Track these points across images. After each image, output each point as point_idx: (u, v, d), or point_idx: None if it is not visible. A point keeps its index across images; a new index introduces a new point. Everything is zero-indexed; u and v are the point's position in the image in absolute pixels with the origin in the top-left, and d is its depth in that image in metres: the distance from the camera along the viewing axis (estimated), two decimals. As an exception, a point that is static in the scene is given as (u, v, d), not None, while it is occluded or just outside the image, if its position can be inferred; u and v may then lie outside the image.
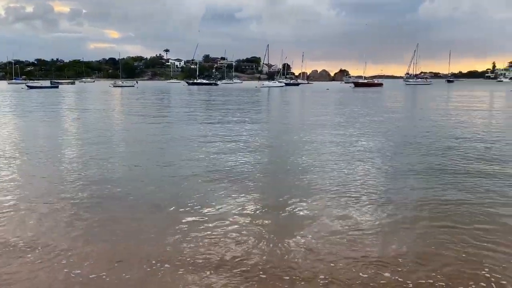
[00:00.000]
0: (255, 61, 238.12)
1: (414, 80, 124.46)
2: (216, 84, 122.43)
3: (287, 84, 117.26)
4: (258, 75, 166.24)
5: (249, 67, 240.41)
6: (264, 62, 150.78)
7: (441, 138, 15.31)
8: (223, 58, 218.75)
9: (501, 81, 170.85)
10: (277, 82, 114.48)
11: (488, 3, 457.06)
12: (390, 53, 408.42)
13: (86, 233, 6.14)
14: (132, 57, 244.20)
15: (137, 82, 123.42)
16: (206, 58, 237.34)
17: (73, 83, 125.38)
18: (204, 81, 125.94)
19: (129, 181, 8.94)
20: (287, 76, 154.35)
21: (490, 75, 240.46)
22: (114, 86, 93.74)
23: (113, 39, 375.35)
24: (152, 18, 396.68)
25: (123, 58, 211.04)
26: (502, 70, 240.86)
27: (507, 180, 9.03)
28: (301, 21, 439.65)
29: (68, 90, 71.03)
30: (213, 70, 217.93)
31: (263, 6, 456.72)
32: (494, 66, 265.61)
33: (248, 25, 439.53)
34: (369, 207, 7.14)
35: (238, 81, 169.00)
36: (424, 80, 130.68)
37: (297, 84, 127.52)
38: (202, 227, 6.24)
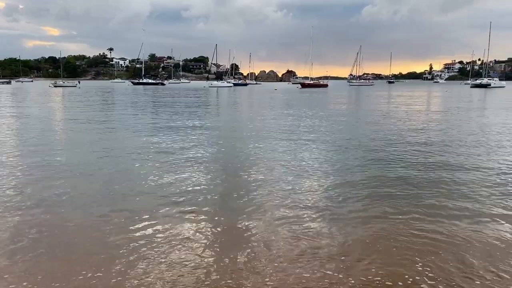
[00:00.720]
0: (203, 60, 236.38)
1: (357, 81, 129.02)
2: (163, 84, 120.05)
3: (235, 84, 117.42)
4: (206, 75, 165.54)
5: (197, 67, 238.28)
6: (212, 62, 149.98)
7: (381, 135, 15.90)
8: (170, 58, 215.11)
9: (437, 82, 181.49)
10: (225, 82, 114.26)
11: (426, 7, 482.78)
12: (335, 55, 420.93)
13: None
14: (74, 55, 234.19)
15: (79, 82, 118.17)
16: (152, 57, 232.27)
17: (9, 82, 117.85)
18: (150, 80, 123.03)
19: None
20: (236, 76, 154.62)
21: (427, 76, 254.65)
22: (54, 86, 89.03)
23: (53, 36, 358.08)
24: (95, 16, 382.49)
25: (64, 57, 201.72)
26: (438, 71, 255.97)
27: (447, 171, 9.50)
28: (249, 22, 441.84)
29: (2, 91, 66.63)
30: (160, 70, 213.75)
31: (210, 5, 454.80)
32: (431, 68, 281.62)
33: (195, 25, 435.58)
34: (322, 223, 7.01)
35: (186, 81, 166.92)
36: (367, 81, 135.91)
37: (246, 84, 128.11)
38: (146, 252, 5.85)
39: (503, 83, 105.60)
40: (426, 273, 5.03)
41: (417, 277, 4.93)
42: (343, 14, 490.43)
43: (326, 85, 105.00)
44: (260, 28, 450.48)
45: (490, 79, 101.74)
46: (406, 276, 4.96)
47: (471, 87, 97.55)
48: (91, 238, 6.06)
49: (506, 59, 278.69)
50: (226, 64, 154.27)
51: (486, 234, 6.23)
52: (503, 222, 6.74)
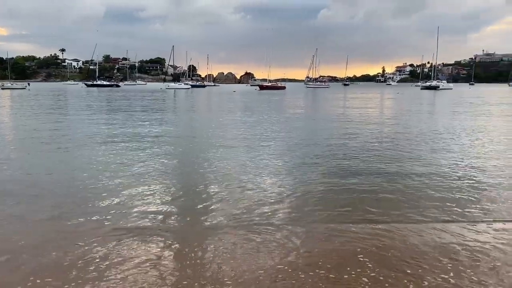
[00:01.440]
0: (159, 62, 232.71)
1: (313, 84, 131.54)
2: (117, 86, 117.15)
3: (193, 86, 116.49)
4: (163, 76, 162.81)
5: (154, 68, 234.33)
6: (169, 64, 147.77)
7: (337, 135, 16.27)
8: (125, 59, 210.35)
9: (390, 84, 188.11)
10: (183, 84, 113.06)
11: (380, 12, 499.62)
12: (292, 57, 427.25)
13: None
14: (23, 56, 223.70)
15: (29, 84, 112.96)
16: (107, 58, 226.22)
17: None
18: (105, 82, 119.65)
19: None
20: (193, 78, 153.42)
21: (380, 79, 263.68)
22: (1, 89, 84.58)
23: (1, 36, 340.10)
24: (46, 15, 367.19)
25: (12, 58, 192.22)
26: (391, 74, 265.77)
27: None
28: (206, 24, 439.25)
29: None
30: (115, 71, 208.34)
31: (167, 6, 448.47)
32: (383, 70, 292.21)
33: (152, 25, 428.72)
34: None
35: (142, 82, 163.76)
36: (323, 83, 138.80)
37: (203, 86, 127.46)
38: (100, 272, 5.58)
39: (451, 85, 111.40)
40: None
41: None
42: (300, 17, 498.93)
43: (284, 87, 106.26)
44: (218, 30, 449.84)
45: (438, 82, 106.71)
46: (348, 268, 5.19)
47: (421, 89, 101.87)
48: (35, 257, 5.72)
49: (453, 62, 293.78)
50: (183, 66, 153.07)
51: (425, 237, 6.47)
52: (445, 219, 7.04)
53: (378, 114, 31.33)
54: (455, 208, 7.68)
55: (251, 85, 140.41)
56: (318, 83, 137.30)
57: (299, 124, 23.24)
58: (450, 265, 5.43)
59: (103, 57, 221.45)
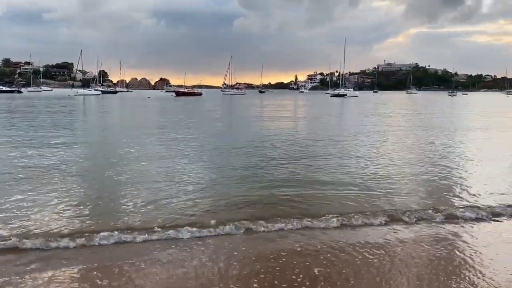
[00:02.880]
0: (67, 67, 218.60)
1: (230, 90, 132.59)
2: (19, 92, 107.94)
3: (104, 92, 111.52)
4: (71, 82, 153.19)
5: (60, 74, 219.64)
6: (78, 69, 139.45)
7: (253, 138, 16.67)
8: (28, 63, 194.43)
9: (302, 91, 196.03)
10: (93, 90, 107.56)
11: (293, 22, 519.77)
12: (209, 64, 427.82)
13: None
14: None
15: None
16: (7, 62, 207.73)
17: None
18: (4, 88, 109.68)
19: None
20: (104, 83, 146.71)
21: (293, 86, 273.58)
22: None
23: None
24: None
25: None
26: (303, 82, 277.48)
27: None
28: (118, 28, 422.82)
29: None
30: (16, 76, 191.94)
31: (75, 9, 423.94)
32: (296, 79, 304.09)
33: (58, 28, 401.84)
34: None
35: (48, 88, 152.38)
36: (239, 90, 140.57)
37: (115, 92, 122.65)
38: None
39: (357, 92, 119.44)
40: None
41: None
42: (216, 24, 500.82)
43: (200, 94, 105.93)
44: (131, 35, 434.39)
45: (346, 90, 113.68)
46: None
47: (330, 96, 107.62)
48: None
49: (359, 71, 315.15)
50: (93, 71, 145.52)
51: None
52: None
53: (293, 119, 32.55)
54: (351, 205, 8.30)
55: (166, 91, 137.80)
56: (235, 90, 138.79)
57: (216, 132, 23.35)
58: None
59: (2, 60, 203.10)
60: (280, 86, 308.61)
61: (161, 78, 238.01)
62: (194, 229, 6.61)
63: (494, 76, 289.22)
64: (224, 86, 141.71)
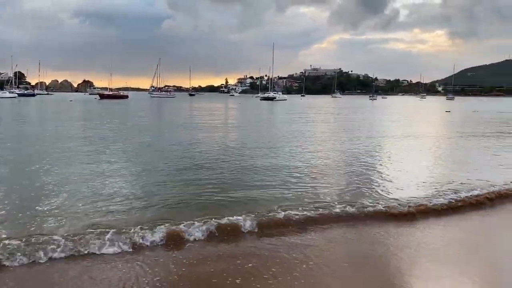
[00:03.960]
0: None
1: (158, 93, 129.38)
2: None
3: (20, 95, 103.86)
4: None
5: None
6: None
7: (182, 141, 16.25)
8: None
9: (233, 95, 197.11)
10: (7, 92, 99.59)
11: (222, 25, 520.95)
12: (136, 66, 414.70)
13: None
14: None
15: None
16: None
17: None
18: None
19: None
20: (21, 85, 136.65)
21: (224, 90, 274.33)
22: None
23: None
24: None
25: None
26: (233, 85, 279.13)
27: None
28: (39, 27, 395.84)
29: None
30: None
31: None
32: (226, 82, 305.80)
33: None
34: None
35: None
36: (168, 93, 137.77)
37: (34, 95, 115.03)
38: None
39: (285, 96, 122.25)
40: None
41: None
42: (144, 25, 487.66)
43: (126, 97, 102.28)
44: (53, 35, 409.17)
45: (275, 93, 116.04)
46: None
47: (260, 99, 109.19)
48: None
49: (287, 76, 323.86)
50: (8, 72, 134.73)
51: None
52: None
53: (223, 122, 32.39)
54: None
55: (90, 94, 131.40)
56: (163, 92, 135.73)
57: (142, 138, 22.49)
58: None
59: None
60: (210, 89, 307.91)
61: (84, 80, 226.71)
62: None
63: (410, 81, 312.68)
64: (152, 88, 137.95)
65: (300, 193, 9.41)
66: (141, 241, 6.34)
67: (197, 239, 6.56)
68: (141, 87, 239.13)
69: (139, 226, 6.78)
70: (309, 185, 10.24)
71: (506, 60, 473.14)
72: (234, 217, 7.29)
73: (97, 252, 5.97)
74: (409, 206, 8.24)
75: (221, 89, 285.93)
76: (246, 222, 7.09)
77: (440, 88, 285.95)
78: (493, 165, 13.96)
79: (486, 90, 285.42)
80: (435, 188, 9.97)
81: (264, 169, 12.18)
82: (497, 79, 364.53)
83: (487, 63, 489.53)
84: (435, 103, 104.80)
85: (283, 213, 7.63)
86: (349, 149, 17.21)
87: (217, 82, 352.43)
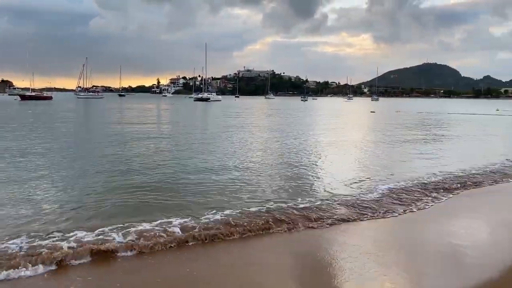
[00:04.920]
0: None
1: (85, 94, 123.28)
2: None
3: None
4: None
5: None
6: None
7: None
8: None
9: (166, 95, 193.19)
10: None
11: (153, 25, 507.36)
12: (61, 66, 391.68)
13: None
14: None
15: None
16: None
17: None
18: None
19: None
20: None
21: (156, 90, 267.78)
22: None
23: None
24: None
25: None
26: (165, 85, 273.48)
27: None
28: None
29: None
30: None
31: None
32: (158, 82, 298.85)
33: None
34: None
35: None
36: (96, 94, 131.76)
37: None
38: None
39: (220, 97, 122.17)
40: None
41: None
42: (69, 23, 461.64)
43: (50, 98, 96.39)
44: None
45: (209, 94, 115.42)
46: None
47: (194, 100, 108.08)
48: None
49: (221, 77, 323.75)
50: None
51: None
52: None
53: (156, 123, 31.67)
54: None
55: (9, 95, 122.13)
56: (91, 93, 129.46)
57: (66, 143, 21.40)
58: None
59: None
60: (142, 89, 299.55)
61: (2, 80, 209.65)
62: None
63: (339, 83, 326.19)
64: (79, 89, 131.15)
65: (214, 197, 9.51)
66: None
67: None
68: (67, 87, 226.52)
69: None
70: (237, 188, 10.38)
71: (424, 63, 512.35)
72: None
73: None
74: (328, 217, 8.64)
75: (152, 89, 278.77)
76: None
77: (366, 90, 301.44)
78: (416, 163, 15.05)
79: (407, 91, 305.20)
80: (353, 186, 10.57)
81: (195, 172, 12.15)
82: (417, 81, 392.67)
83: (408, 66, 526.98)
84: (361, 104, 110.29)
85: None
86: (281, 149, 17.67)
87: (148, 82, 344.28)
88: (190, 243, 6.56)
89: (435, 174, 12.14)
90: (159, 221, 7.33)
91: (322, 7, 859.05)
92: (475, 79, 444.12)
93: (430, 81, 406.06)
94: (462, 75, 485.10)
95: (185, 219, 7.48)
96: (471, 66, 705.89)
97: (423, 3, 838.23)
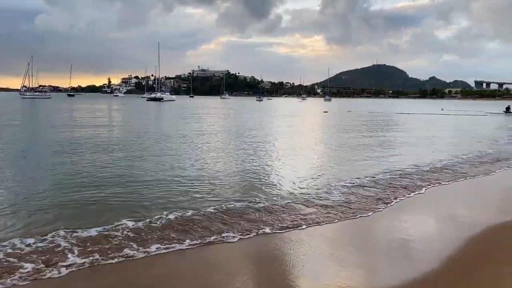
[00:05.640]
0: None
1: (31, 94, 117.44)
2: None
3: None
4: None
5: None
6: None
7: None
8: None
9: (117, 95, 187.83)
10: None
11: (103, 23, 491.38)
12: (4, 64, 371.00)
13: None
14: None
15: None
16: None
17: None
18: None
19: None
20: None
21: (107, 90, 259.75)
22: None
23: None
24: None
25: None
26: (117, 85, 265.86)
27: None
28: None
29: None
30: None
31: None
32: (109, 82, 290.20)
33: None
34: None
35: None
36: (43, 93, 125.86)
37: None
38: None
39: (174, 97, 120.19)
40: None
41: None
42: (14, 20, 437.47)
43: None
44: None
45: (163, 94, 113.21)
46: None
47: (147, 100, 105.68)
48: None
49: (175, 76, 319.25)
50: None
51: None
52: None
53: (108, 124, 30.60)
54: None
55: None
56: (37, 93, 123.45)
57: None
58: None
59: None
60: (92, 89, 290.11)
61: None
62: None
63: (293, 83, 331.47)
64: (24, 89, 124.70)
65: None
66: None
67: None
68: (11, 87, 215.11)
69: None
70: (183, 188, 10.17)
71: (374, 64, 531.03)
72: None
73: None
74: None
75: (103, 89, 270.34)
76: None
77: (319, 90, 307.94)
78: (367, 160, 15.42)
79: (358, 92, 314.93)
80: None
81: (149, 173, 11.80)
82: (367, 81, 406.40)
83: (359, 67, 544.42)
84: (314, 104, 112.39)
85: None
86: (238, 149, 17.58)
87: (99, 82, 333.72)
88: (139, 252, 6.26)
89: (389, 172, 12.46)
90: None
91: (276, 8, 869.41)
92: (421, 80, 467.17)
93: (380, 82, 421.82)
94: (410, 76, 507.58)
95: (135, 223, 7.20)
96: (418, 68, 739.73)
97: (373, 6, 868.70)
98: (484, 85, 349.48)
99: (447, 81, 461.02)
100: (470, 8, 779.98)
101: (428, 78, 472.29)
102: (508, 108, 56.61)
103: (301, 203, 8.80)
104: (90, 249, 6.06)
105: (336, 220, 7.76)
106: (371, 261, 6.03)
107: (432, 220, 8.15)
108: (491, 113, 59.73)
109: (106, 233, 6.74)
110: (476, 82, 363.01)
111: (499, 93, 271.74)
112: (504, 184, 11.86)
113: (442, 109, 70.53)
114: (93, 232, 6.74)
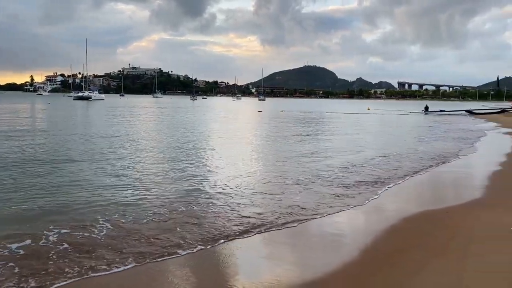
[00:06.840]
0: None
1: None
2: None
3: None
4: None
5: None
6: None
7: None
8: None
9: (41, 94, 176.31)
10: None
11: (25, 17, 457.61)
12: None
13: None
14: None
15: None
16: None
17: None
18: None
19: None
20: None
21: (29, 88, 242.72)
22: None
23: None
24: None
25: None
26: (41, 83, 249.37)
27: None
28: None
29: None
30: None
31: None
32: (32, 79, 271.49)
33: None
34: None
35: None
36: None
37: None
38: None
39: (103, 96, 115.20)
40: None
41: None
42: None
43: None
44: None
45: (91, 92, 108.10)
46: None
47: (74, 99, 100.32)
48: None
49: (104, 74, 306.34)
50: None
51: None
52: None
53: (31, 125, 28.69)
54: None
55: None
56: None
57: None
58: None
59: None
60: (12, 87, 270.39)
61: None
62: None
63: (227, 82, 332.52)
64: None
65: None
66: None
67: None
68: None
69: None
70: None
71: (305, 65, 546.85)
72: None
73: None
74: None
75: (25, 87, 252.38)
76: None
77: (253, 90, 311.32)
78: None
79: (291, 92, 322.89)
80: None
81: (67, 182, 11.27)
82: (299, 82, 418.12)
83: (291, 68, 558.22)
84: (249, 104, 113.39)
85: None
86: (170, 150, 17.32)
87: (20, 79, 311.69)
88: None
89: (333, 170, 12.86)
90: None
91: (211, 7, 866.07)
92: (349, 80, 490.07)
93: (311, 82, 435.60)
94: (339, 77, 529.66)
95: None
96: (346, 69, 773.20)
97: (305, 8, 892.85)
98: (406, 86, 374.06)
99: (373, 82, 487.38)
100: (393, 13, 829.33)
101: (355, 79, 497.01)
102: (426, 108, 60.99)
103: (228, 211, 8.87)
104: None
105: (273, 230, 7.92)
106: (302, 259, 6.25)
107: (361, 216, 8.55)
108: (411, 112, 64.01)
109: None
110: (399, 83, 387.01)
111: (419, 93, 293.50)
112: (432, 181, 12.54)
113: (368, 109, 74.45)
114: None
